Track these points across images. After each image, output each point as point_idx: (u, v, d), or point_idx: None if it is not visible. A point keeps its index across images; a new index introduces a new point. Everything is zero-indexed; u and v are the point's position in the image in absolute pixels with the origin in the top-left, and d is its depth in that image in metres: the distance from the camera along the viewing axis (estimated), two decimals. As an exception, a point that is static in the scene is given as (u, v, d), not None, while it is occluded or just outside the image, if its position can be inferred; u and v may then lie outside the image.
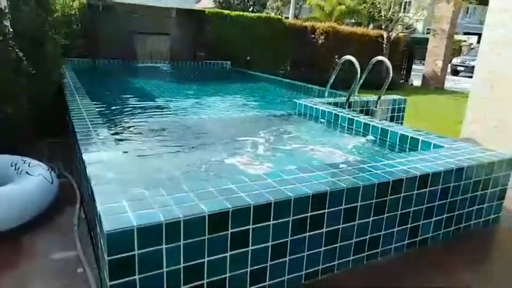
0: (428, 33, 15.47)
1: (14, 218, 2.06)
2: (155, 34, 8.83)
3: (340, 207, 1.92)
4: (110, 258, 1.40)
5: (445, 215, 2.35)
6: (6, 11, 3.75)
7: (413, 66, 17.49)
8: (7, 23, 3.74)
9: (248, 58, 10.04)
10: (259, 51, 10.25)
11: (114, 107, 4.33)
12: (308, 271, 1.93)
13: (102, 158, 2.14)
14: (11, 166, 2.42)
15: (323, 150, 2.98)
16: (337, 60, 11.19)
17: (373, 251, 2.14)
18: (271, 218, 1.72)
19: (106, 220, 1.43)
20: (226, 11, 10.21)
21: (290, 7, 20.11)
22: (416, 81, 15.10)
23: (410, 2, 15.50)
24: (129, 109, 4.36)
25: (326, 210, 1.88)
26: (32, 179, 2.28)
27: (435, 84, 13.81)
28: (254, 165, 2.54)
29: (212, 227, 1.58)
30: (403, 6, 15.26)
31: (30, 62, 3.77)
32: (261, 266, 1.77)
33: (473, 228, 2.55)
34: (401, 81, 14.03)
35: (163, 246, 1.49)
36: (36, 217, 2.21)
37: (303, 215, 1.82)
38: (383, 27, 12.16)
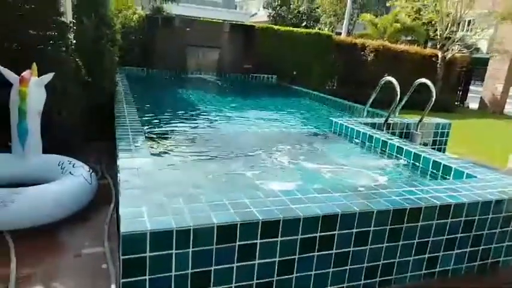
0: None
1: (52, 214, 2.30)
2: (206, 47, 9.25)
3: (351, 230, 1.93)
4: (123, 257, 1.54)
5: (468, 249, 2.26)
6: (71, 25, 4.17)
7: (473, 88, 16.59)
8: (71, 36, 4.16)
9: (295, 73, 10.14)
10: (306, 66, 10.32)
11: (157, 116, 4.61)
12: (315, 290, 1.96)
13: (135, 164, 2.32)
14: (58, 165, 2.70)
15: (349, 172, 2.98)
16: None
17: (387, 278, 2.11)
18: (279, 235, 1.79)
19: (123, 222, 1.58)
20: (276, 27, 10.42)
21: (344, 23, 20.02)
22: (474, 104, 14.29)
23: (473, 21, 14.78)
24: (171, 118, 4.63)
25: (336, 232, 1.90)
26: (73, 179, 2.53)
27: (493, 109, 12.99)
28: (275, 181, 2.61)
29: (220, 238, 1.68)
30: (464, 25, 14.62)
31: (87, 71, 4.16)
32: (267, 280, 1.83)
33: (502, 265, 2.42)
34: (456, 103, 13.37)
35: (174, 251, 1.61)
36: (73, 214, 2.44)
37: (312, 235, 1.86)
38: (438, 46, 11.71)
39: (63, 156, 2.88)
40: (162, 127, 4.09)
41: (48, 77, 2.85)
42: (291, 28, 10.84)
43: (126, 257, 1.55)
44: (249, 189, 2.44)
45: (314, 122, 5.19)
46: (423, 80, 4.55)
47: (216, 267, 1.71)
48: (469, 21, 14.73)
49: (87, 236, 2.33)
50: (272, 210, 1.82)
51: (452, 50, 11.42)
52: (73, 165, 2.72)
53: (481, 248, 2.31)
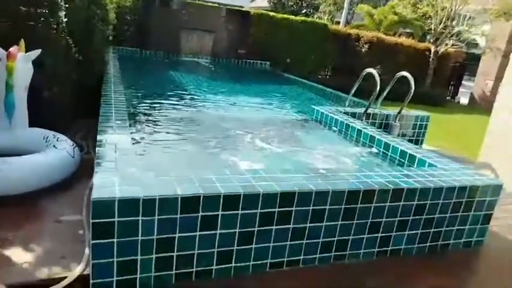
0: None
1: (33, 183, 2.46)
2: (201, 30, 9.29)
3: (308, 208, 2.11)
4: (93, 221, 1.71)
5: (419, 231, 2.46)
6: (62, 3, 4.24)
7: (467, 83, 16.73)
8: (61, 14, 4.24)
9: (288, 61, 10.23)
10: (300, 54, 10.40)
11: (145, 96, 4.74)
12: (273, 261, 2.14)
13: (114, 140, 2.46)
14: (43, 139, 2.85)
15: (319, 156, 3.15)
16: (378, 70, 11.08)
17: (341, 253, 2.30)
18: (240, 208, 1.96)
19: (95, 189, 1.74)
20: (272, 13, 10.46)
21: (343, 12, 19.97)
22: (465, 99, 14.47)
23: (469, 17, 14.84)
24: (158, 99, 4.76)
25: (294, 208, 2.08)
26: (56, 151, 2.68)
27: (483, 105, 13.18)
28: (246, 162, 2.77)
29: (184, 208, 1.84)
30: (460, 20, 14.66)
31: (78, 50, 4.26)
32: (227, 248, 2.01)
33: (452, 248, 2.61)
34: (447, 98, 13.54)
35: (140, 218, 1.78)
36: (55, 185, 2.60)
37: (271, 210, 2.03)
38: (432, 40, 11.81)
39: (49, 130, 3.02)
40: (148, 107, 4.22)
41: (35, 53, 2.96)
42: (287, 15, 10.87)
43: (96, 220, 1.71)
44: (220, 168, 2.60)
45: (299, 110, 5.34)
46: (404, 73, 4.67)
47: (180, 234, 1.88)
48: (465, 17, 14.78)
49: (68, 205, 2.49)
50: (235, 185, 1.98)
51: (446, 44, 11.53)
52: (57, 139, 2.86)
53: (432, 230, 2.50)
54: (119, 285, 1.83)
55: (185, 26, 9.01)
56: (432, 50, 11.42)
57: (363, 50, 10.86)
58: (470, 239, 2.66)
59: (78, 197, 2.62)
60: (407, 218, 2.38)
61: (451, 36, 11.55)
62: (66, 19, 4.23)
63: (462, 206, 2.52)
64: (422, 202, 2.38)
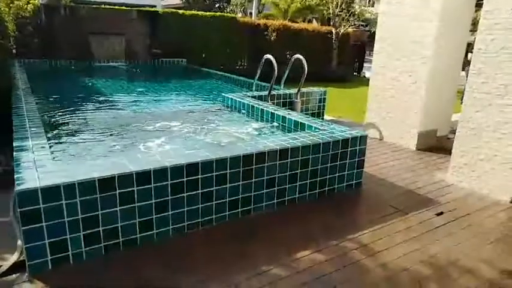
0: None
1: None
2: (112, 34, 9.26)
3: (212, 174, 2.55)
4: (20, 209, 1.98)
5: (308, 181, 3.04)
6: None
7: (371, 59, 18.35)
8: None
9: (204, 55, 10.58)
10: (215, 48, 10.80)
11: (59, 104, 4.82)
12: (189, 223, 2.56)
13: (30, 144, 2.68)
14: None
15: (226, 134, 3.63)
16: (288, 55, 11.91)
17: (246, 208, 2.79)
18: (152, 182, 2.34)
19: (18, 183, 2.01)
20: (181, 11, 10.68)
21: (253, 4, 20.71)
22: (370, 74, 15.99)
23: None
24: (73, 106, 4.86)
25: (200, 176, 2.51)
26: (-27, 164, 2.81)
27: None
28: (159, 147, 3.15)
29: (102, 188, 2.18)
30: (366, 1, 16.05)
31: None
32: (147, 218, 2.38)
33: (337, 191, 3.25)
34: (354, 74, 14.88)
35: (63, 202, 2.08)
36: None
37: (179, 180, 2.44)
38: (331, 23, 12.94)
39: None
40: (62, 114, 4.34)
41: None
42: (196, 12, 11.18)
43: (23, 209, 1.99)
44: (134, 154, 2.93)
45: (213, 99, 5.77)
46: (298, 55, 5.28)
47: (102, 211, 2.21)
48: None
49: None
50: (145, 164, 2.35)
51: (344, 26, 12.70)
52: (-28, 154, 2.97)
53: (318, 179, 3.10)
54: (54, 263, 2.12)
55: (94, 31, 8.92)
56: (333, 32, 12.53)
57: (272, 38, 11.57)
58: (351, 182, 3.32)
59: (2, 203, 2.78)
60: (296, 171, 2.94)
61: (348, 17, 12.72)
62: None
63: (339, 156, 3.15)
64: (305, 157, 2.95)
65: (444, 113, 4.94)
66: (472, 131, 3.46)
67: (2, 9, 5.97)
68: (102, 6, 9.78)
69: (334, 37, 12.54)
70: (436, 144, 4.84)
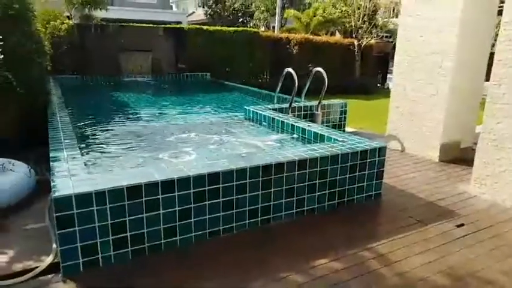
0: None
1: (2, 200, 2.83)
2: (139, 51, 9.67)
3: (232, 183, 2.66)
4: (57, 214, 2.15)
5: (327, 191, 3.10)
6: None
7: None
8: (-1, 48, 4.51)
9: (227, 69, 10.84)
10: (238, 62, 11.04)
11: (91, 117, 5.10)
12: (211, 230, 2.67)
13: (65, 155, 2.88)
14: (0, 166, 3.19)
15: (247, 145, 3.75)
16: (310, 68, 12.00)
17: (266, 217, 2.88)
18: (176, 190, 2.47)
19: (55, 190, 2.18)
20: (205, 27, 11.03)
21: (276, 18, 21.05)
22: (394, 85, 15.83)
23: (388, 10, 16.34)
24: (104, 118, 5.14)
25: (220, 185, 2.62)
26: (14, 174, 3.04)
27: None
28: (185, 157, 3.31)
29: (130, 196, 2.33)
30: (391, 13, 16.03)
31: (18, 83, 4.55)
32: (171, 224, 2.51)
33: (357, 202, 3.29)
34: (378, 85, 14.79)
35: (94, 208, 2.24)
36: (18, 202, 2.97)
37: (201, 188, 2.56)
38: (354, 35, 13.00)
39: (3, 158, 3.35)
40: (94, 127, 4.60)
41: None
42: (220, 27, 11.50)
43: (59, 214, 2.16)
44: (158, 164, 3.09)
45: (234, 111, 5.93)
46: (318, 68, 5.38)
47: (130, 217, 2.36)
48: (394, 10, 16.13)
49: (31, 217, 2.87)
50: (170, 173, 2.49)
51: (366, 38, 12.72)
52: (13, 164, 3.22)
53: (337, 190, 3.15)
54: (85, 265, 2.28)
55: (123, 48, 9.35)
56: (355, 44, 12.57)
57: (294, 51, 11.73)
58: (370, 193, 3.35)
59: (39, 210, 3.00)
60: (315, 182, 3.01)
61: (371, 29, 12.74)
62: (2, 56, 4.52)
63: (357, 167, 3.20)
64: (323, 168, 3.02)
65: (467, 123, 4.88)
66: (493, 142, 3.44)
67: (39, 30, 6.38)
68: (131, 24, 10.22)
69: (356, 49, 12.56)
70: (460, 156, 4.78)
